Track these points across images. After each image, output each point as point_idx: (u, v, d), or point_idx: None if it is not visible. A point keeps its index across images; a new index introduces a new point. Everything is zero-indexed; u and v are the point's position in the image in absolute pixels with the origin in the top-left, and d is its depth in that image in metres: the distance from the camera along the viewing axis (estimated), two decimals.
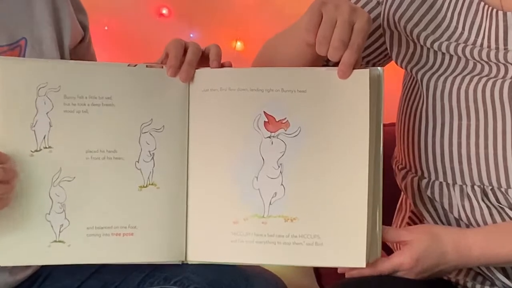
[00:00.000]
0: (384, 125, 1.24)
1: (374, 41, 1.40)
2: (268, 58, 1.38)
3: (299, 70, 1.26)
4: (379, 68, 1.24)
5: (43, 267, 1.36)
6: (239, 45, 2.26)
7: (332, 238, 1.21)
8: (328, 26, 1.18)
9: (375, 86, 1.22)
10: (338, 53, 1.18)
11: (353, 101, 1.21)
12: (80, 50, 1.41)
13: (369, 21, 1.19)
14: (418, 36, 1.33)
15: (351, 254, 1.20)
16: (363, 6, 1.38)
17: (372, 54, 1.41)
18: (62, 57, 1.36)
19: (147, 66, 1.28)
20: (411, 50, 1.36)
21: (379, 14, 1.38)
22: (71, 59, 1.37)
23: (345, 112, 1.21)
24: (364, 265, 1.20)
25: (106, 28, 2.30)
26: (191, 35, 2.31)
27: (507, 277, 1.32)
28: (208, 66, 1.27)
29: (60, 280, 1.35)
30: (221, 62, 1.29)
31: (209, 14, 2.30)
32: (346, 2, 1.19)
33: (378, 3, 1.38)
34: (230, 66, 1.30)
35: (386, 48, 1.40)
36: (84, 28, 1.42)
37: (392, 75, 1.41)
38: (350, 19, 1.17)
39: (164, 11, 2.35)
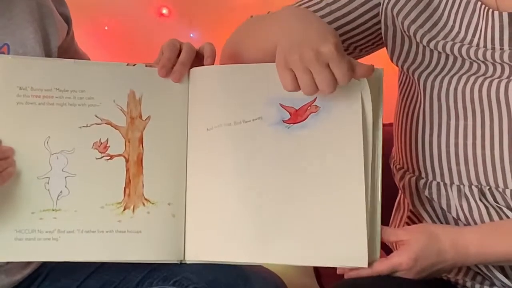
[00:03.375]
0: (383, 125, 1.24)
1: (367, 28, 1.39)
2: (237, 51, 1.35)
3: None
4: (379, 68, 1.24)
5: (41, 267, 1.36)
6: None
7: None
8: (307, 80, 1.15)
9: (375, 86, 1.22)
10: (332, 91, 1.17)
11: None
12: (64, 44, 1.41)
13: (337, 47, 1.15)
14: (415, 34, 1.33)
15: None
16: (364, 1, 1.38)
17: (361, 41, 1.40)
18: (49, 56, 1.36)
19: (146, 66, 1.28)
20: (406, 47, 1.36)
21: (379, 3, 1.37)
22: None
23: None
24: (366, 265, 1.20)
25: (106, 28, 2.30)
26: (191, 35, 2.31)
27: (506, 276, 1.31)
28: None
29: (59, 280, 1.35)
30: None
31: (209, 14, 2.30)
32: (307, 46, 1.15)
33: None
34: None
35: (378, 38, 1.40)
36: (67, 20, 1.42)
37: (392, 75, 1.40)
38: (321, 62, 1.14)
39: (164, 11, 2.35)
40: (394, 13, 1.35)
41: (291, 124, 1.23)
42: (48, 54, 1.36)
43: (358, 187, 1.20)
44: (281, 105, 1.23)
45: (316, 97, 1.22)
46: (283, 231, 1.22)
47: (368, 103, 1.21)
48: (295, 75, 1.16)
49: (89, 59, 1.52)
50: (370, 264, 1.22)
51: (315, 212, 1.21)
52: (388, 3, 1.36)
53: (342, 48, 1.17)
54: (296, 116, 1.23)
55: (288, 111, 1.23)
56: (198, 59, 1.28)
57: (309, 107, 1.22)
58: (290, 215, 1.22)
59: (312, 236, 1.21)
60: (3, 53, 1.28)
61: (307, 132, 1.22)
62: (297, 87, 1.17)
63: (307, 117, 1.22)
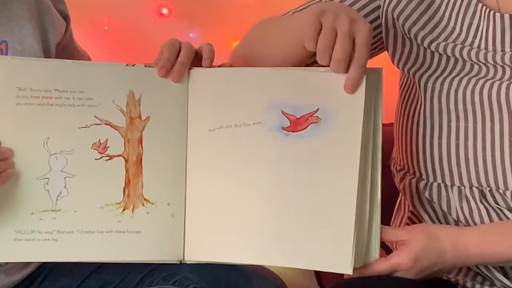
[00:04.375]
0: (383, 125, 1.24)
1: None
2: (255, 51, 1.36)
3: (294, 71, 1.26)
4: (378, 68, 1.24)
5: (41, 267, 1.36)
6: None
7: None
8: (328, 36, 1.16)
9: (375, 86, 1.22)
10: (341, 65, 1.17)
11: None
12: (62, 42, 1.41)
13: (370, 31, 1.18)
14: (416, 36, 1.33)
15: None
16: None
17: None
18: (47, 53, 1.36)
19: (145, 66, 1.28)
20: (407, 49, 1.36)
21: (379, 6, 1.37)
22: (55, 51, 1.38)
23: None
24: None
25: (106, 28, 2.30)
26: (191, 35, 2.31)
27: (506, 277, 1.31)
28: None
29: (59, 280, 1.35)
30: (222, 62, 1.29)
31: (209, 14, 2.30)
32: (345, 12, 1.18)
33: None
34: (231, 66, 1.30)
35: (379, 42, 1.40)
36: (65, 17, 1.42)
37: (392, 75, 1.40)
38: (350, 31, 1.16)
39: (164, 11, 2.35)
40: (395, 16, 1.35)
41: (290, 132, 1.23)
42: (46, 51, 1.36)
43: (350, 199, 1.20)
44: (282, 112, 1.23)
45: (318, 108, 1.22)
46: (276, 233, 1.22)
47: (369, 106, 1.21)
48: (321, 30, 1.16)
49: (89, 57, 1.53)
50: (370, 264, 1.22)
51: (306, 218, 1.21)
52: (388, 5, 1.36)
53: (371, 39, 1.19)
54: (296, 125, 1.22)
55: (288, 119, 1.23)
56: (197, 59, 1.28)
57: (310, 117, 1.22)
58: (281, 219, 1.22)
59: (301, 239, 1.21)
60: (1, 50, 1.28)
61: (305, 142, 1.22)
62: (315, 43, 1.16)
63: (307, 127, 1.22)
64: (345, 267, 1.20)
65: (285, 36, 1.29)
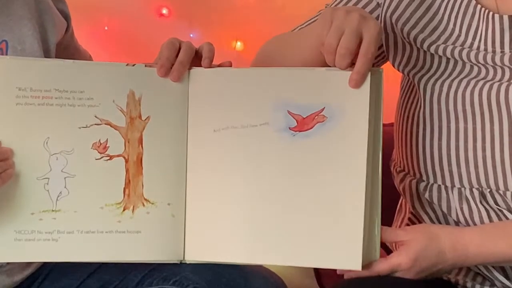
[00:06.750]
0: (384, 125, 1.24)
1: None
2: (272, 60, 1.37)
3: (298, 71, 1.26)
4: (379, 68, 1.24)
5: (41, 268, 1.36)
6: (239, 45, 2.26)
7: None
8: (334, 33, 1.17)
9: (375, 86, 1.22)
10: (344, 61, 1.17)
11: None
12: (63, 41, 1.41)
13: (379, 30, 1.18)
14: (415, 39, 1.33)
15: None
16: (364, 7, 1.37)
17: None
18: (47, 52, 1.36)
19: (145, 66, 1.28)
20: (407, 53, 1.36)
21: (378, 16, 1.38)
22: (56, 51, 1.38)
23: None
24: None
25: (106, 28, 2.30)
26: (191, 35, 2.31)
27: (507, 277, 1.32)
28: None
29: (59, 280, 1.35)
30: (221, 62, 1.29)
31: (209, 14, 2.31)
32: (356, 10, 1.19)
33: (378, 5, 1.38)
34: (230, 66, 1.30)
35: (380, 50, 1.39)
36: (66, 17, 1.42)
37: (392, 75, 1.40)
38: (358, 27, 1.16)
39: (164, 11, 2.35)
40: (393, 20, 1.35)
41: (297, 132, 1.23)
42: (46, 50, 1.36)
43: (359, 196, 1.20)
44: (289, 112, 1.23)
45: (324, 107, 1.22)
46: (281, 232, 1.22)
47: (370, 106, 1.21)
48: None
49: (90, 57, 1.53)
50: (370, 264, 1.22)
51: (313, 217, 1.21)
52: (386, 10, 1.36)
53: (379, 38, 1.19)
54: (303, 125, 1.22)
55: (295, 119, 1.23)
56: (198, 58, 1.28)
57: (317, 117, 1.22)
58: (288, 218, 1.22)
59: (309, 238, 1.21)
60: (1, 49, 1.28)
61: (312, 142, 1.22)
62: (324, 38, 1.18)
63: (313, 126, 1.22)
64: (354, 263, 1.20)
65: (302, 44, 1.30)
